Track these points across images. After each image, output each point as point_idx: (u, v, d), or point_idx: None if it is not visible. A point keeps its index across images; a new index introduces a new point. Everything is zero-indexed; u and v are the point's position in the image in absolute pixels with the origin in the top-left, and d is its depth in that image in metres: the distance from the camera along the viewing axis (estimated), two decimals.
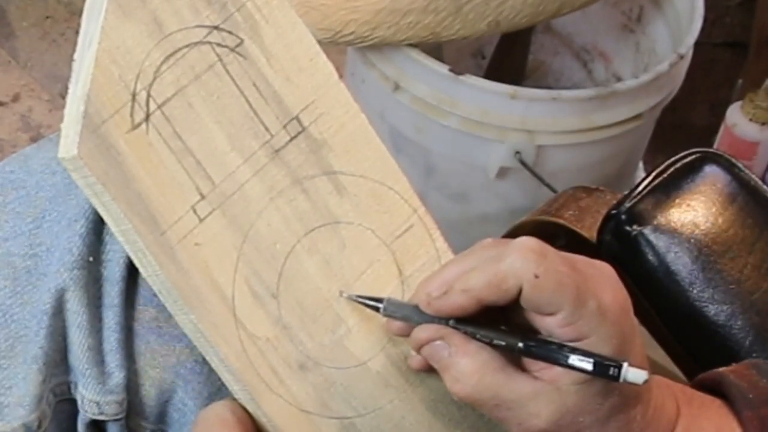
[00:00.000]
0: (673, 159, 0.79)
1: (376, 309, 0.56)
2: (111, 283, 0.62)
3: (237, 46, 0.54)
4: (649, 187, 0.76)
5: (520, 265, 0.53)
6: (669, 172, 0.78)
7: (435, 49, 1.39)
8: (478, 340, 0.55)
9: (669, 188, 0.76)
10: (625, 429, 0.56)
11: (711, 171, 0.77)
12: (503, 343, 0.54)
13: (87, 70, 0.51)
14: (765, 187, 0.78)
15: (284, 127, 0.55)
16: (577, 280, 0.54)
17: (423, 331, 0.55)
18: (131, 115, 0.51)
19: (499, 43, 1.42)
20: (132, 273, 0.63)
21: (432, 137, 1.26)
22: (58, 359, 0.62)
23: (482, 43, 1.54)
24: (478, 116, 1.21)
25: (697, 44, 1.27)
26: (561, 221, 0.88)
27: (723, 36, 1.84)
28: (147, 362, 0.63)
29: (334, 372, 0.56)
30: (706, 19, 1.28)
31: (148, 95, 0.52)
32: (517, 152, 1.22)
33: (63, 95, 1.75)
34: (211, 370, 0.64)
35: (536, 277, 0.53)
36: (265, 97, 0.55)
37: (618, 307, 0.54)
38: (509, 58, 1.43)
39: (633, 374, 0.52)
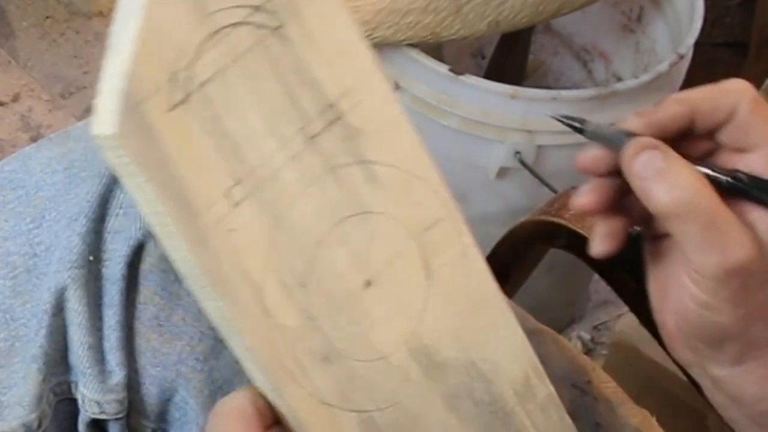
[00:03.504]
0: None
1: (579, 130, 0.55)
2: (111, 281, 0.62)
3: (278, 27, 0.53)
4: None
5: (743, 88, 0.53)
6: None
7: (435, 49, 1.39)
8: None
9: None
10: None
11: None
12: (712, 174, 0.52)
13: (127, 46, 0.49)
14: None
15: (321, 113, 0.54)
16: None
17: (642, 140, 0.52)
18: (170, 95, 0.50)
19: (499, 43, 1.42)
20: (132, 271, 0.63)
21: (432, 137, 1.25)
22: (59, 358, 0.62)
23: (482, 43, 1.54)
24: (478, 116, 1.21)
25: (697, 44, 1.27)
26: (561, 221, 0.88)
27: (723, 36, 1.84)
28: (148, 361, 0.63)
29: (356, 365, 0.55)
30: (706, 19, 1.28)
31: (188, 75, 0.50)
32: (517, 152, 1.22)
33: (63, 95, 1.75)
34: (213, 369, 0.64)
35: (755, 101, 0.52)
36: (304, 81, 0.53)
37: None
38: (509, 58, 1.43)
39: None
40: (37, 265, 0.62)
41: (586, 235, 0.84)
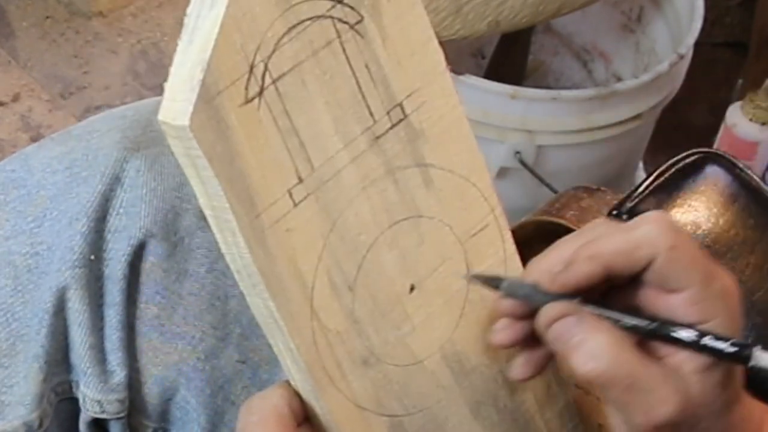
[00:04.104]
0: (674, 159, 0.79)
1: (495, 287, 0.55)
2: (112, 281, 0.62)
3: (357, 23, 0.51)
4: (650, 187, 0.76)
5: (656, 235, 0.51)
6: (670, 172, 0.78)
7: None
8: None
9: (670, 188, 0.76)
10: (734, 425, 0.53)
11: (712, 171, 0.77)
12: (632, 324, 0.52)
13: (208, 34, 0.47)
14: (766, 187, 0.78)
15: (388, 113, 0.53)
16: (706, 259, 0.52)
17: (553, 308, 0.52)
18: (246, 87, 0.48)
19: (499, 43, 1.42)
20: (133, 271, 0.63)
21: None
22: (60, 358, 0.62)
23: (482, 43, 1.54)
24: (478, 116, 1.21)
25: (697, 44, 1.27)
26: (562, 221, 0.88)
27: (723, 36, 1.84)
28: (149, 360, 0.63)
29: (392, 369, 0.55)
30: (706, 19, 1.28)
31: (266, 68, 0.49)
32: (517, 152, 1.22)
33: (63, 95, 1.75)
34: (214, 368, 0.64)
35: (672, 248, 0.51)
36: (375, 80, 0.52)
37: (736, 292, 0.52)
38: (509, 58, 1.43)
39: (764, 359, 0.50)
40: (39, 264, 0.62)
41: None
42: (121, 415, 0.63)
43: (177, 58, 0.48)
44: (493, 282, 0.55)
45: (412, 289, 0.55)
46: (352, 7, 0.51)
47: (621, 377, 0.50)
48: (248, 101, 0.48)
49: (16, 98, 1.74)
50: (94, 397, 0.61)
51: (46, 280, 0.61)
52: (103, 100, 1.74)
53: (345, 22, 0.51)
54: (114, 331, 0.61)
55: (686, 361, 0.51)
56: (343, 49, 0.51)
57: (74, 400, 0.63)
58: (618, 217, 0.76)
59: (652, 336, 0.52)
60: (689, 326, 0.51)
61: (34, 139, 1.66)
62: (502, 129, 1.21)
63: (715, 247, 0.74)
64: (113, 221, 0.62)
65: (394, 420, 0.55)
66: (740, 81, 1.61)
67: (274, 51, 0.49)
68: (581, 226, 0.85)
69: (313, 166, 0.51)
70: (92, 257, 0.61)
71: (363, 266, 0.53)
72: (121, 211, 0.62)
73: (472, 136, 0.56)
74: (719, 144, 1.46)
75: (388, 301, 0.54)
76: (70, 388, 0.63)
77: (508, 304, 0.54)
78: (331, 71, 0.51)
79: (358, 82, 0.52)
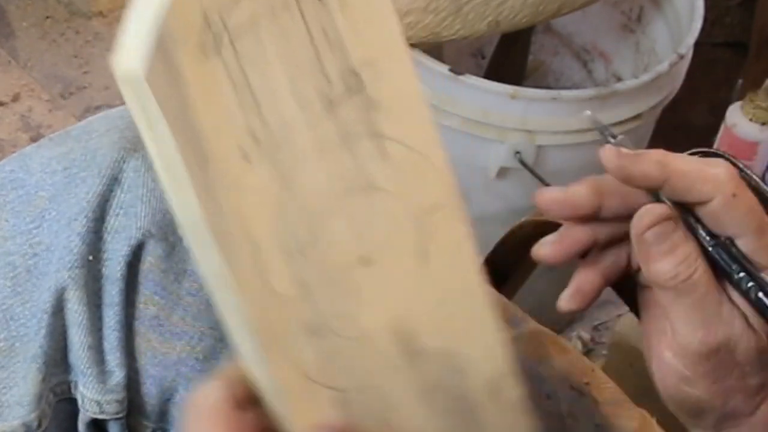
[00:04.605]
0: None
1: (608, 136, 0.57)
2: (111, 281, 0.62)
3: None
4: None
5: (725, 179, 0.52)
6: None
7: (435, 49, 1.39)
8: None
9: None
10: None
11: None
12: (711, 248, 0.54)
13: None
14: (766, 187, 0.78)
15: (344, 80, 0.52)
16: (763, 213, 0.53)
17: (658, 209, 0.53)
18: (202, 40, 0.48)
19: (499, 43, 1.42)
20: (132, 271, 0.63)
21: None
22: (58, 358, 0.62)
23: (482, 43, 1.54)
24: (478, 116, 1.21)
25: (697, 44, 1.27)
26: (563, 221, 0.88)
27: (723, 36, 1.84)
28: (148, 360, 0.63)
29: (341, 342, 0.54)
30: (706, 19, 1.28)
31: (224, 24, 0.49)
32: (517, 152, 1.22)
33: (63, 95, 1.75)
34: (213, 368, 0.64)
35: (734, 195, 0.52)
36: (332, 45, 0.52)
37: None
38: (509, 58, 1.43)
39: None
40: (37, 264, 0.62)
41: None
42: (120, 415, 0.63)
43: (133, 8, 0.47)
44: (606, 131, 0.57)
45: (364, 261, 0.54)
46: None
47: (699, 286, 0.52)
48: (204, 55, 0.48)
49: (16, 98, 1.74)
50: (93, 397, 0.61)
51: (44, 280, 0.61)
52: (103, 100, 1.74)
53: None
54: (112, 332, 0.61)
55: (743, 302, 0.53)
56: (301, 12, 0.51)
57: (73, 401, 0.63)
58: None
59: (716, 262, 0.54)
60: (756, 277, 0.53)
61: (34, 139, 1.66)
62: (502, 129, 1.21)
63: None
64: (112, 222, 0.62)
65: (340, 395, 0.54)
66: (740, 81, 1.61)
67: (232, 5, 0.49)
68: None
69: (268, 128, 0.50)
70: (91, 258, 0.61)
71: (315, 232, 0.52)
72: (120, 211, 0.62)
73: (430, 114, 0.55)
74: (719, 144, 1.46)
75: (339, 271, 0.53)
76: (69, 388, 0.63)
77: (577, 192, 0.56)
78: (289, 33, 0.51)
79: (315, 47, 0.51)
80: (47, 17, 1.88)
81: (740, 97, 1.47)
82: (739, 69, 1.66)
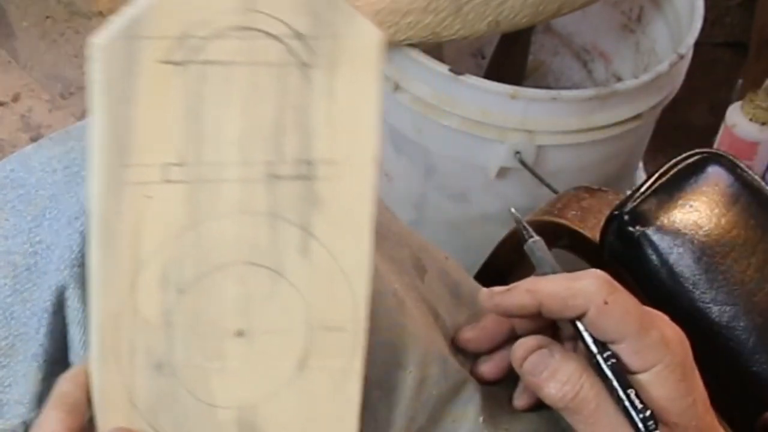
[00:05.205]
0: (675, 159, 0.78)
1: (524, 236, 0.61)
2: None
3: (306, 65, 0.51)
4: (652, 188, 0.76)
5: (594, 289, 0.56)
6: (672, 172, 0.77)
7: (435, 49, 1.39)
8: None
9: (672, 189, 0.76)
10: None
11: (714, 171, 0.77)
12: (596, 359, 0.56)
13: None
14: (767, 187, 0.78)
15: (296, 163, 0.51)
16: (641, 311, 0.56)
17: (529, 341, 0.57)
18: (171, 50, 0.48)
19: (499, 43, 1.42)
20: None
21: (432, 137, 1.26)
22: (59, 357, 0.61)
23: (482, 43, 1.54)
24: (478, 116, 1.21)
25: (697, 44, 1.27)
26: (563, 221, 0.88)
27: (723, 36, 1.84)
28: None
29: (183, 395, 0.53)
30: (706, 19, 1.28)
31: (198, 46, 0.49)
32: (517, 152, 1.22)
33: (63, 95, 1.75)
34: None
35: (605, 303, 0.55)
36: (299, 126, 0.51)
37: (679, 340, 0.57)
38: (509, 58, 1.43)
39: None
40: (38, 263, 0.62)
41: (588, 235, 0.84)
42: None
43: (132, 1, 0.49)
44: (526, 231, 0.61)
45: (240, 333, 0.53)
46: (309, 49, 0.51)
47: (591, 397, 0.55)
48: (167, 62, 0.48)
49: (16, 98, 1.74)
50: None
51: (45, 279, 0.61)
52: None
53: (296, 57, 0.50)
54: None
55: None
56: (284, 80, 0.51)
57: None
58: (620, 217, 0.76)
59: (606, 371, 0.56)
60: (627, 375, 0.55)
61: (34, 139, 1.66)
62: (502, 129, 1.21)
63: (717, 248, 0.74)
64: None
65: None
66: (740, 81, 1.61)
67: (214, 36, 0.49)
68: (582, 227, 0.85)
69: (200, 160, 0.50)
70: None
71: (202, 281, 0.52)
72: None
73: (371, 242, 0.54)
74: (719, 144, 1.46)
75: (211, 330, 0.52)
76: None
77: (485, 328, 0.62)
78: (262, 89, 0.50)
79: (282, 116, 0.51)
80: (47, 17, 1.88)
81: (740, 97, 1.47)
82: (739, 69, 1.66)
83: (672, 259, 0.74)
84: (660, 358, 0.55)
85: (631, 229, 0.75)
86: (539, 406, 0.62)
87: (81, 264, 0.61)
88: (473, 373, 0.63)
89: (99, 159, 0.49)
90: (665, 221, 0.75)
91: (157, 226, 0.50)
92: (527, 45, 1.44)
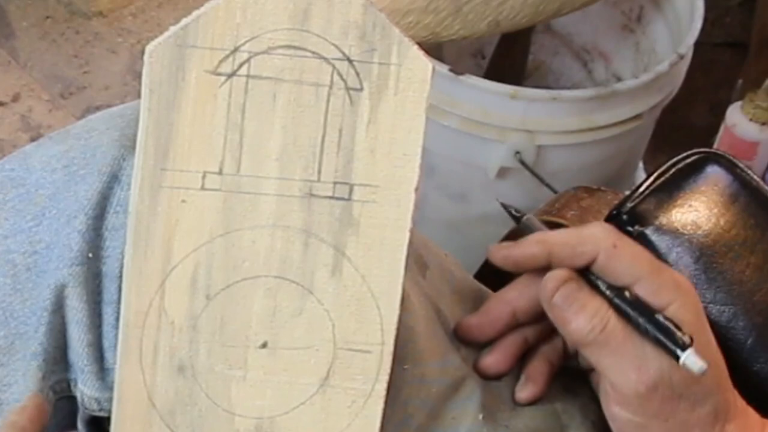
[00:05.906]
0: (674, 159, 0.78)
1: (518, 219, 0.61)
2: (110, 279, 0.61)
3: (354, 89, 0.52)
4: (651, 188, 0.76)
5: (602, 235, 0.57)
6: (671, 172, 0.77)
7: (435, 49, 1.39)
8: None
9: (671, 188, 0.76)
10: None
11: (713, 171, 0.77)
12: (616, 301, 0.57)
13: None
14: (767, 187, 0.78)
15: (335, 183, 0.52)
16: (650, 255, 0.57)
17: (560, 273, 0.57)
18: (220, 61, 0.50)
19: (499, 43, 1.42)
20: None
21: (432, 137, 1.25)
22: (58, 356, 0.61)
23: (482, 43, 1.54)
24: (478, 116, 1.21)
25: (697, 44, 1.27)
26: (563, 221, 0.88)
27: (723, 36, 1.84)
28: None
29: (203, 399, 0.54)
30: (706, 19, 1.28)
31: (248, 60, 0.50)
32: (517, 152, 1.22)
33: (63, 95, 1.75)
34: None
35: (614, 246, 0.56)
36: (341, 147, 0.52)
37: (689, 285, 0.58)
38: (509, 58, 1.43)
39: (691, 360, 0.53)
40: (37, 262, 0.62)
41: None
42: None
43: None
44: (516, 213, 0.61)
45: (264, 345, 0.54)
46: (357, 73, 0.51)
47: (617, 333, 0.56)
48: (215, 73, 0.50)
49: (16, 98, 1.74)
50: (92, 395, 0.61)
51: (44, 278, 0.61)
52: (103, 100, 1.74)
53: (343, 80, 0.51)
54: (112, 329, 0.61)
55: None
56: (328, 100, 0.51)
57: (72, 399, 0.63)
58: (618, 217, 0.76)
59: (627, 306, 0.57)
60: (653, 312, 0.56)
61: (34, 139, 1.65)
62: (502, 129, 1.21)
63: (716, 248, 0.74)
64: (111, 219, 0.62)
65: None
66: (740, 81, 1.61)
67: (265, 53, 0.50)
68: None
69: (239, 171, 0.51)
70: (90, 255, 0.61)
71: (231, 289, 0.53)
72: (119, 209, 0.62)
73: (403, 271, 0.54)
74: (719, 144, 1.46)
75: (236, 339, 0.53)
76: (68, 386, 0.63)
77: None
78: (306, 109, 0.51)
79: (324, 137, 0.52)
80: (47, 17, 1.88)
81: (740, 97, 1.47)
82: (739, 69, 1.66)
83: (671, 258, 0.74)
84: (675, 296, 0.56)
85: (630, 228, 0.75)
86: (541, 399, 0.62)
87: (80, 263, 0.61)
88: (476, 367, 0.63)
89: (140, 160, 0.50)
90: (664, 221, 0.75)
91: (191, 230, 0.51)
92: (527, 45, 1.44)
